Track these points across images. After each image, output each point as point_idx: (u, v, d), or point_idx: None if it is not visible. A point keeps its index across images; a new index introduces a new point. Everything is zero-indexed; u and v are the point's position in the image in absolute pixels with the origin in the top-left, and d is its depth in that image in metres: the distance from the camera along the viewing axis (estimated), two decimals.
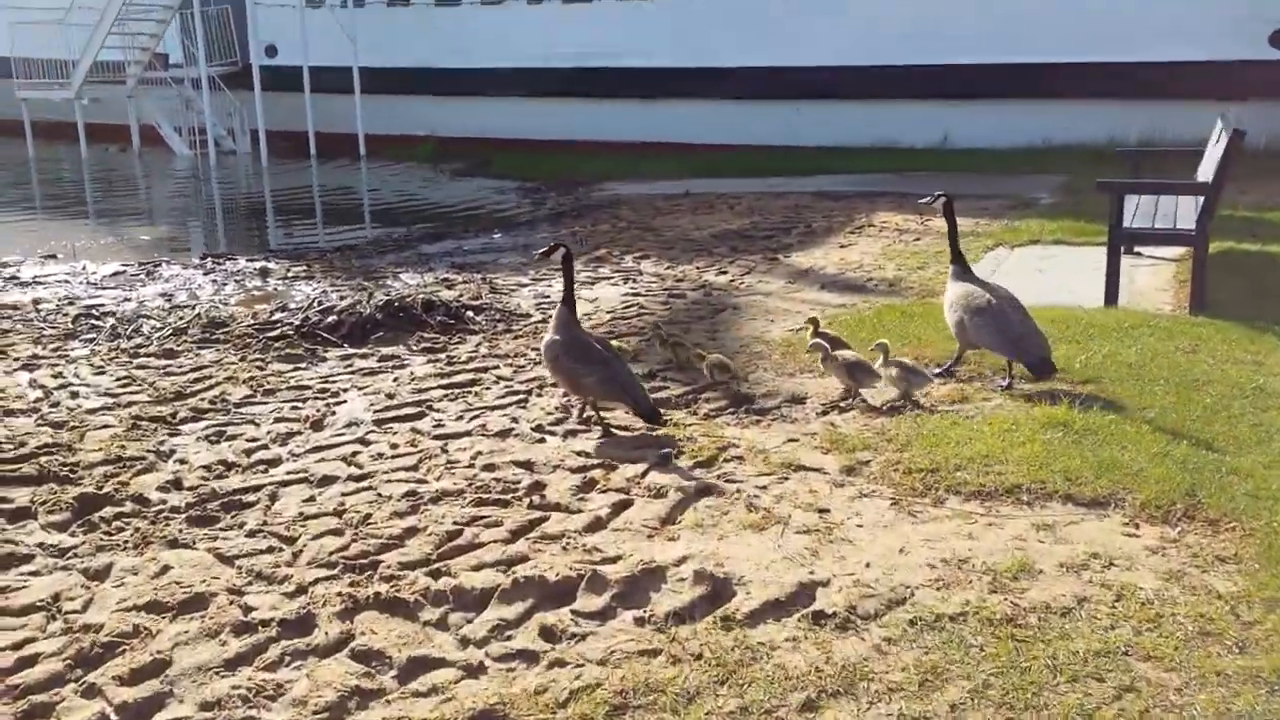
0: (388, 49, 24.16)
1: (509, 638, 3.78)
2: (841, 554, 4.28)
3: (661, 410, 5.97)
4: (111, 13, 23.66)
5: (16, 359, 7.89)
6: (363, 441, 6.02)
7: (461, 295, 9.69)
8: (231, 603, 4.06)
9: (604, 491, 5.06)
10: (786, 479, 5.06)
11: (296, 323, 8.50)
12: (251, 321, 8.80)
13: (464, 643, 3.76)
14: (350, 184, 21.28)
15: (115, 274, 11.46)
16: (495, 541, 4.52)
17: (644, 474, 5.24)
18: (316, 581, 4.23)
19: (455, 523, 4.73)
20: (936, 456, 5.10)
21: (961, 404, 5.97)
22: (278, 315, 8.87)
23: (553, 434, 6.00)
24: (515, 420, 6.26)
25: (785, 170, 18.10)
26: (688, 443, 5.63)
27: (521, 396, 6.73)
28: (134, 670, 3.63)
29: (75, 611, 4.09)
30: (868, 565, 4.15)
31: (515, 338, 8.35)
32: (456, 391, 6.90)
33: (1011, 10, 19.24)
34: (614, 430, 5.94)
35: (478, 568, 4.28)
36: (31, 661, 3.71)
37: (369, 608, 3.99)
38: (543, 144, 22.50)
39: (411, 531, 4.67)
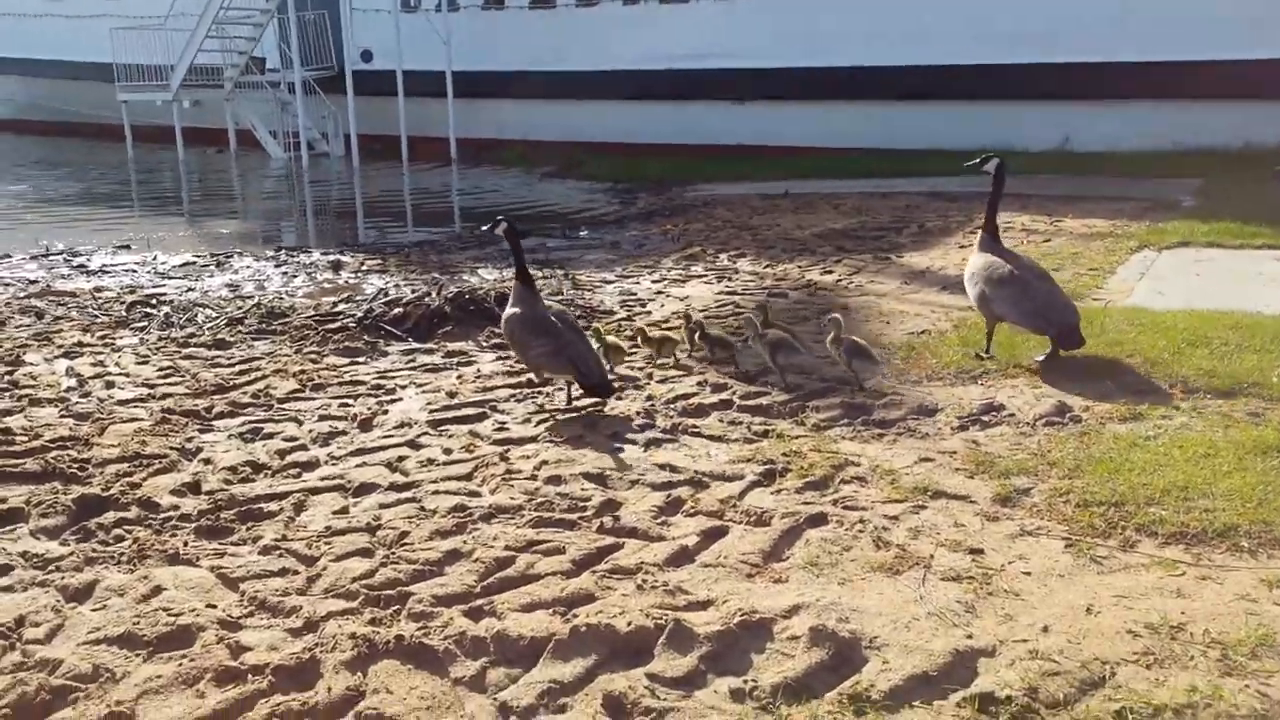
0: (481, 53, 23.68)
1: (562, 707, 2.84)
2: (1006, 611, 3.24)
3: (615, 384, 5.75)
4: (209, 17, 23.66)
5: (60, 346, 7.28)
6: (413, 445, 5.18)
7: (541, 290, 8.85)
8: (221, 640, 3.22)
9: (692, 514, 4.11)
10: (923, 508, 4.04)
11: (359, 315, 7.75)
12: (312, 313, 8.09)
13: (504, 712, 2.84)
14: (439, 186, 20.77)
15: (184, 264, 10.93)
16: (554, 574, 3.60)
17: (742, 494, 4.27)
18: (329, 616, 3.37)
19: (508, 547, 3.83)
20: (1118, 487, 4.01)
21: (1134, 421, 4.86)
22: (341, 307, 8.14)
23: (632, 442, 5.07)
24: (590, 425, 5.35)
25: (891, 172, 16.95)
26: (794, 458, 4.64)
27: (598, 399, 5.83)
28: None
29: (36, 641, 3.30)
30: (1045, 629, 3.11)
31: None
32: (526, 392, 6.03)
33: (1138, 5, 17.77)
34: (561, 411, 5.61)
35: (529, 607, 3.36)
36: None
37: (388, 655, 3.10)
38: (635, 147, 21.68)
39: (454, 556, 3.78)
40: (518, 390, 6.04)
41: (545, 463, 4.76)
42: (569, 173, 20.09)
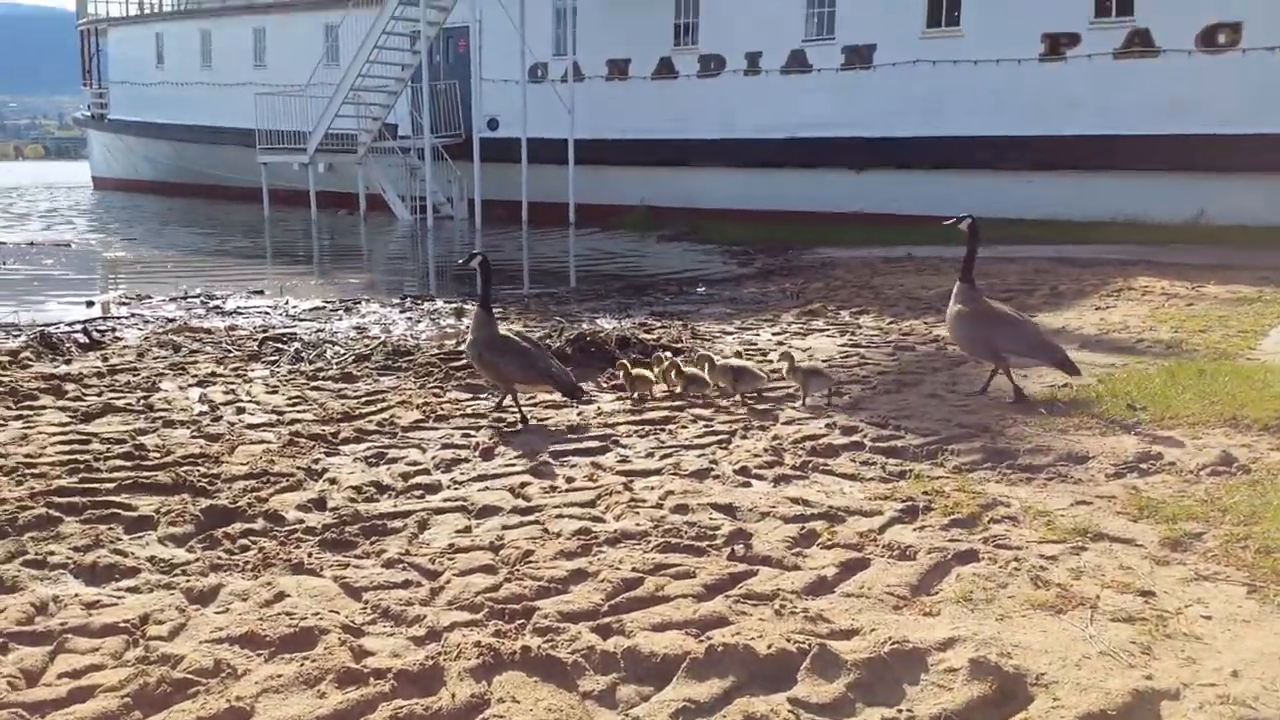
0: (604, 121, 24.17)
1: None
2: (1187, 654, 2.92)
3: (583, 389, 6.32)
4: (346, 85, 24.79)
5: (194, 376, 7.48)
6: (535, 473, 5.08)
7: (660, 338, 8.78)
8: (344, 643, 3.12)
9: (829, 546, 3.88)
10: (1083, 549, 3.72)
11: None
12: (436, 351, 8.15)
13: None
14: (557, 249, 21.08)
15: (314, 309, 11.24)
16: (685, 596, 3.41)
17: (882, 529, 4.03)
18: (453, 627, 3.24)
19: (635, 569, 3.66)
20: None
21: None
22: (464, 347, 8.17)
23: (760, 478, 4.87)
24: (714, 461, 5.17)
25: (1016, 239, 16.48)
26: (936, 496, 4.37)
27: (723, 437, 5.66)
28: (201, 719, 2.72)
29: (159, 638, 3.25)
30: (1235, 674, 2.79)
31: None
32: (647, 428, 5.90)
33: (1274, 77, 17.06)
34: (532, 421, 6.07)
35: (660, 627, 3.17)
36: (86, 695, 2.86)
37: (513, 666, 2.95)
38: (754, 214, 21.69)
39: (579, 576, 3.62)
40: (640, 426, 5.91)
41: (671, 493, 4.60)
42: (686, 237, 20.17)
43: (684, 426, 5.94)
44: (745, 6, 22.41)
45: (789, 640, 2.96)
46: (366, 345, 8.42)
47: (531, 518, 4.36)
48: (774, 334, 9.27)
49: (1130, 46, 18.33)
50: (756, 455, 5.20)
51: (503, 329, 6.32)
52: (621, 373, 6.83)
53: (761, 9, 22.19)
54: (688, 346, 8.31)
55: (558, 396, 6.34)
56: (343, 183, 26.57)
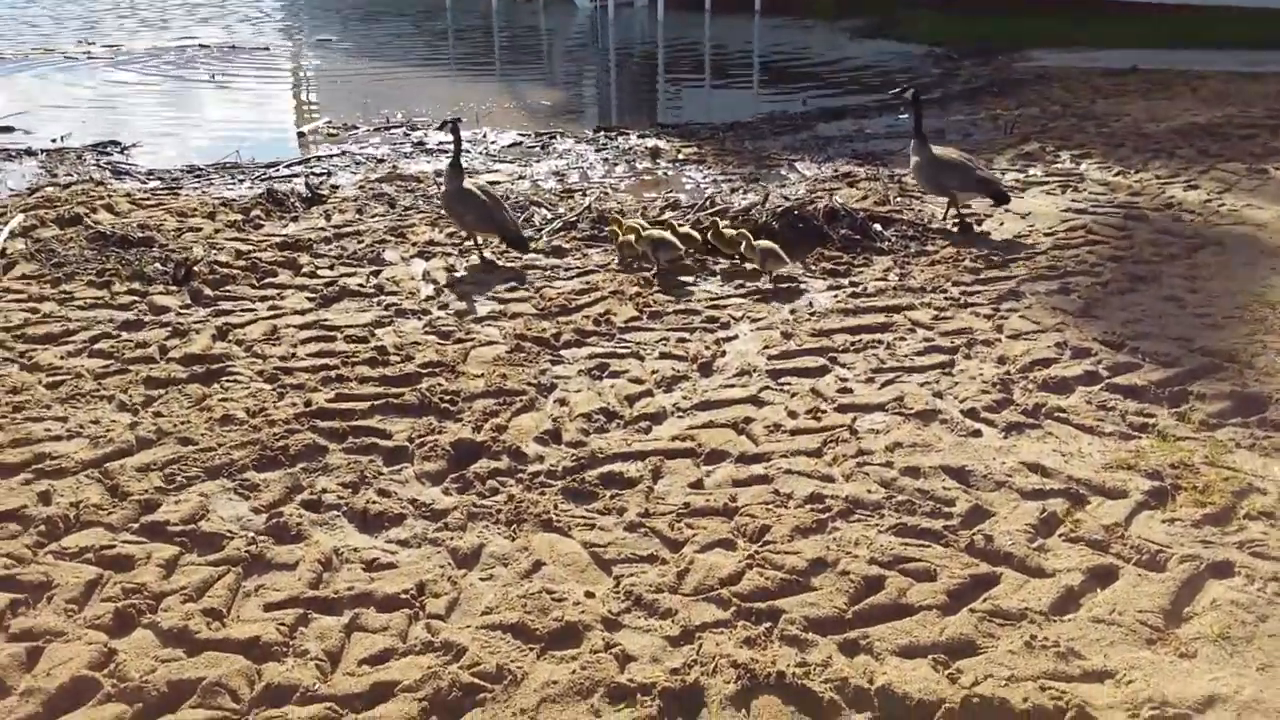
0: None
1: None
2: None
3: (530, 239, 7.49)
4: None
5: (414, 244, 7.76)
6: (755, 401, 5.15)
7: (867, 197, 8.47)
8: (607, 645, 3.36)
9: (1072, 539, 3.84)
10: None
11: (685, 226, 7.71)
12: (634, 209, 8.14)
13: None
14: (743, 42, 20.17)
15: (512, 144, 11.29)
16: (928, 606, 3.48)
17: (1128, 519, 3.94)
18: (704, 628, 3.44)
19: (873, 561, 3.74)
20: None
21: None
22: (667, 214, 8.13)
23: (990, 424, 4.79)
24: (939, 395, 5.10)
25: (1263, 42, 14.72)
26: (1184, 473, 4.21)
27: (946, 358, 5.54)
28: None
29: (438, 617, 3.58)
30: None
31: (931, 263, 7.07)
32: (864, 339, 5.82)
33: None
34: (490, 260, 7.35)
35: (907, 652, 3.28)
36: (387, 694, 3.22)
37: (769, 690, 3.13)
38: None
39: (819, 566, 3.74)
40: (856, 337, 5.84)
41: (899, 445, 4.59)
42: (881, 30, 18.91)
43: (902, 338, 5.83)
44: None
45: (1044, 690, 3.01)
46: (570, 207, 8.46)
47: (759, 469, 4.46)
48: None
49: None
50: (985, 391, 5.08)
51: (468, 183, 7.43)
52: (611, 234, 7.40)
53: None
54: (894, 213, 7.99)
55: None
56: None
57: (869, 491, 4.23)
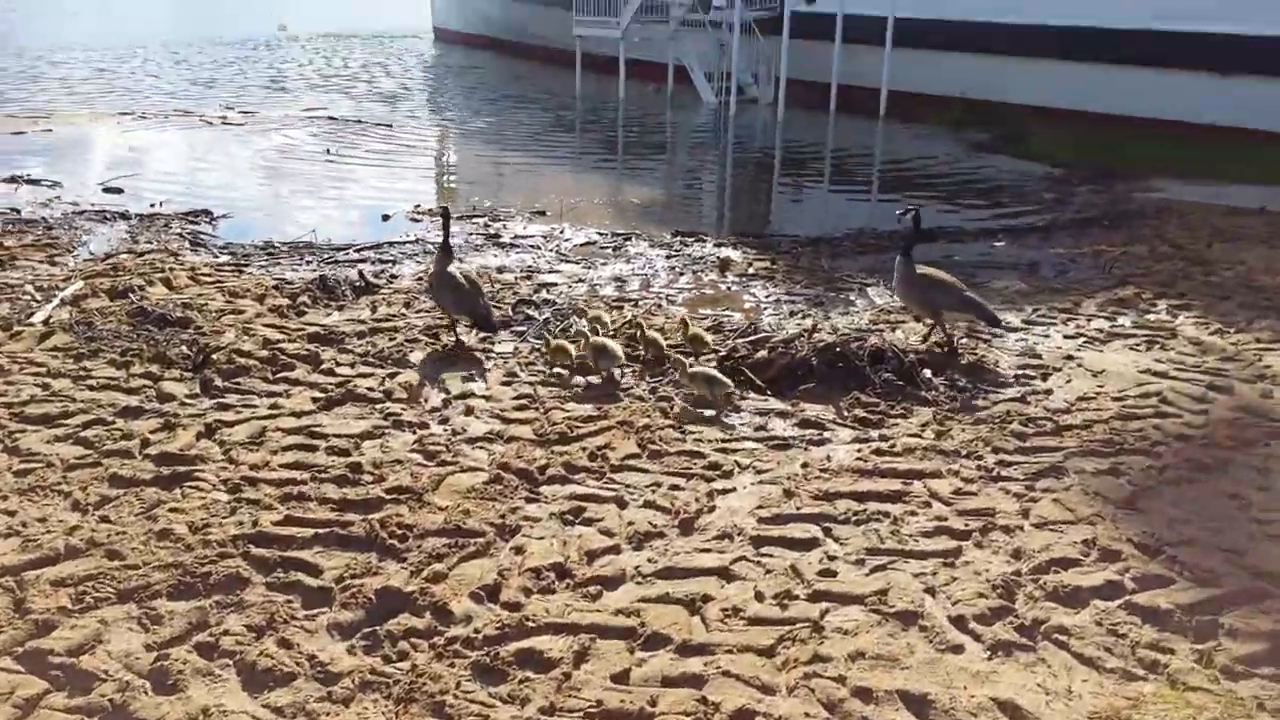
0: (931, 0, 22.02)
1: None
2: None
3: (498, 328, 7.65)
4: None
5: (443, 345, 7.55)
6: (725, 574, 4.64)
7: (929, 337, 7.87)
8: None
9: None
10: None
11: (722, 354, 7.29)
12: (681, 339, 7.75)
13: None
14: (863, 146, 19.77)
15: (585, 244, 11.12)
16: None
17: None
18: None
19: None
20: None
21: None
22: (708, 339, 7.71)
23: (976, 637, 4.16)
24: (931, 591, 4.49)
25: None
26: None
27: (954, 544, 4.91)
28: None
29: None
30: None
31: (975, 421, 6.42)
32: (870, 509, 5.25)
33: None
34: (463, 342, 7.59)
35: None
36: None
37: None
38: (1088, 116, 19.17)
39: None
40: (861, 507, 5.27)
41: (862, 655, 4.02)
42: (1004, 146, 18.19)
43: (912, 512, 5.24)
44: None
45: None
46: (613, 321, 8.13)
47: (698, 665, 3.96)
48: (1066, 338, 8.07)
49: None
50: (983, 594, 4.45)
51: (453, 267, 7.68)
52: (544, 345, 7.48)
53: None
54: (951, 376, 7.34)
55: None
56: (652, 52, 26.25)
57: (806, 715, 3.67)
